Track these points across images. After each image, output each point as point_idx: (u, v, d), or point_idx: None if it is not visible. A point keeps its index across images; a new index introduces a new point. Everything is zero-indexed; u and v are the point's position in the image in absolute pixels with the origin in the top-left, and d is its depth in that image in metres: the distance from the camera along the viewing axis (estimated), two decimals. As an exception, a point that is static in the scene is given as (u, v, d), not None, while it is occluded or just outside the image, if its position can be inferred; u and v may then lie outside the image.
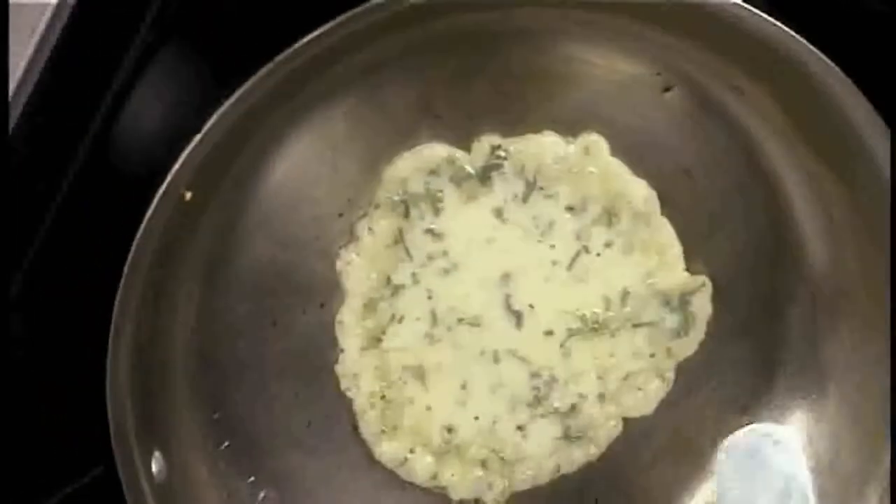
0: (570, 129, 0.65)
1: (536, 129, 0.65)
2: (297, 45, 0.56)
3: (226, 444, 0.67)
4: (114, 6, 0.61)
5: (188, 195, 0.58)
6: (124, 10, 0.61)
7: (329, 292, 0.66)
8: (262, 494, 0.67)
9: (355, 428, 0.68)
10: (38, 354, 0.64)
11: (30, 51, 0.58)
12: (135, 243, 0.57)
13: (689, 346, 0.68)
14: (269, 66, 0.56)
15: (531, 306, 0.67)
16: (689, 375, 0.69)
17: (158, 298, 0.61)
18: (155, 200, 0.57)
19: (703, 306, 0.68)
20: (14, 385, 0.62)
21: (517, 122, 0.65)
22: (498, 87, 0.64)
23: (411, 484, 0.69)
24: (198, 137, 0.56)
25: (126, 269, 0.57)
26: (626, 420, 0.69)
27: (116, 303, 0.57)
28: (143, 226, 0.57)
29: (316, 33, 0.55)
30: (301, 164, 0.64)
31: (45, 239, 0.62)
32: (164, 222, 0.58)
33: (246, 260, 0.65)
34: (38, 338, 0.64)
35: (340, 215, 0.65)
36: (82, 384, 0.60)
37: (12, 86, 0.58)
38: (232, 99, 0.56)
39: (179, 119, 0.62)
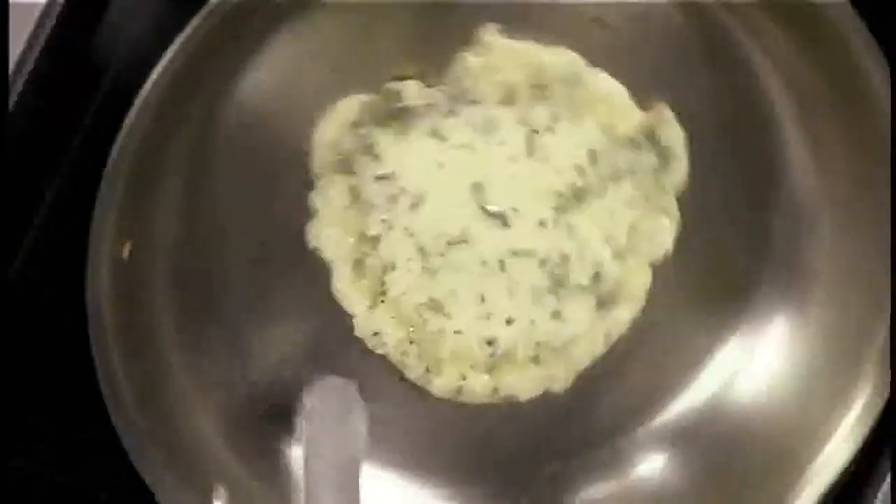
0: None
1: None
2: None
3: None
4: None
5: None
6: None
7: (316, 269, 0.67)
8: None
9: (402, 378, 0.69)
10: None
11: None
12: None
13: (678, 174, 0.66)
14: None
15: (511, 205, 0.66)
16: (694, 212, 0.67)
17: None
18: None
19: (673, 134, 0.65)
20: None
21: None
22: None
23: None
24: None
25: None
26: (653, 268, 0.68)
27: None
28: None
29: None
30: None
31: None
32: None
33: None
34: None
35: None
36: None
37: (12, 63, 0.60)
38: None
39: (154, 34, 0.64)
